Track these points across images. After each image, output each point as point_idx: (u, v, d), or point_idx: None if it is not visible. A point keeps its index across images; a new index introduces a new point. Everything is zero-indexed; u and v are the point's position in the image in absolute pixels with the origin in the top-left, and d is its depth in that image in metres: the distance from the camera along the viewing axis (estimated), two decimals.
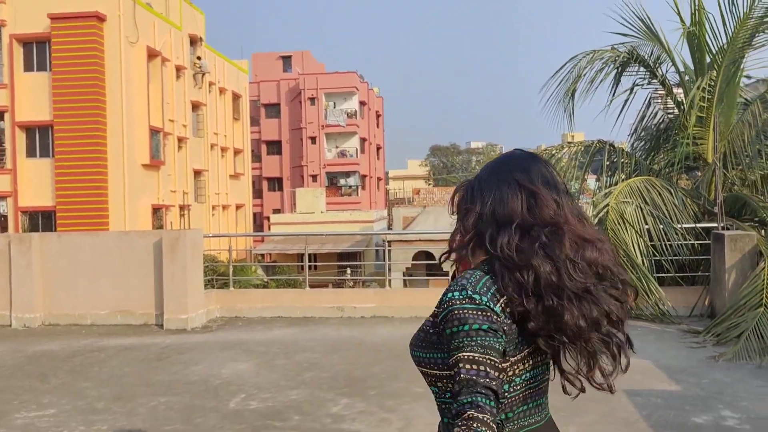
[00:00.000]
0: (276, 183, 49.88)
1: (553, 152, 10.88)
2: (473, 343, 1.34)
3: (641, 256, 8.25)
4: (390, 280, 9.86)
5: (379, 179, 55.13)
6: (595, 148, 10.91)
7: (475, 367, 1.32)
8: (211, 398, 5.32)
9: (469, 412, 1.29)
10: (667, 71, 10.56)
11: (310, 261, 13.56)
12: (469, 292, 1.38)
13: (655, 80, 10.67)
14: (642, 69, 10.64)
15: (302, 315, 8.91)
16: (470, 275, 1.42)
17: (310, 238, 17.48)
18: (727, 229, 8.17)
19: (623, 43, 10.29)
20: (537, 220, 1.43)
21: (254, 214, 42.91)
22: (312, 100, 48.15)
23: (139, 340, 7.69)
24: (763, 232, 8.15)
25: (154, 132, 26.48)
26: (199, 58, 31.16)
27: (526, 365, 1.44)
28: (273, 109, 49.58)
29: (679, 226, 8.45)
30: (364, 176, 50.12)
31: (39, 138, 24.37)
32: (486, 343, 1.34)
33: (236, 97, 37.05)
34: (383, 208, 45.36)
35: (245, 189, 38.51)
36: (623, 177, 9.91)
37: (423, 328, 1.52)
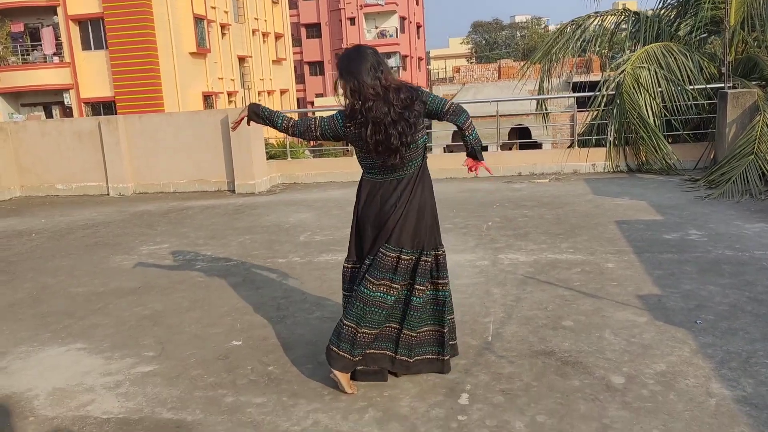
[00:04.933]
0: (317, 67, 50.24)
1: (581, 23, 11.42)
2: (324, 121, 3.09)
3: (653, 117, 9.13)
4: (431, 147, 10.99)
5: (420, 59, 54.69)
6: (623, 18, 11.43)
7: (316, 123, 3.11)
8: (284, 235, 6.76)
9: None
10: None
11: None
12: (337, 113, 3.07)
13: None
14: None
15: (351, 179, 10.24)
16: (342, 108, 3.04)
17: None
18: (734, 88, 8.89)
19: None
20: (366, 88, 2.93)
21: (298, 99, 43.84)
22: None
23: (216, 201, 9.20)
24: (767, 89, 8.81)
25: (198, 20, 27.23)
26: None
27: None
28: None
29: (691, 87, 9.20)
30: (404, 56, 49.86)
31: (92, 31, 25.49)
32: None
33: None
34: (424, 88, 45.45)
35: (288, 74, 39.27)
36: (645, 44, 10.48)
37: None
